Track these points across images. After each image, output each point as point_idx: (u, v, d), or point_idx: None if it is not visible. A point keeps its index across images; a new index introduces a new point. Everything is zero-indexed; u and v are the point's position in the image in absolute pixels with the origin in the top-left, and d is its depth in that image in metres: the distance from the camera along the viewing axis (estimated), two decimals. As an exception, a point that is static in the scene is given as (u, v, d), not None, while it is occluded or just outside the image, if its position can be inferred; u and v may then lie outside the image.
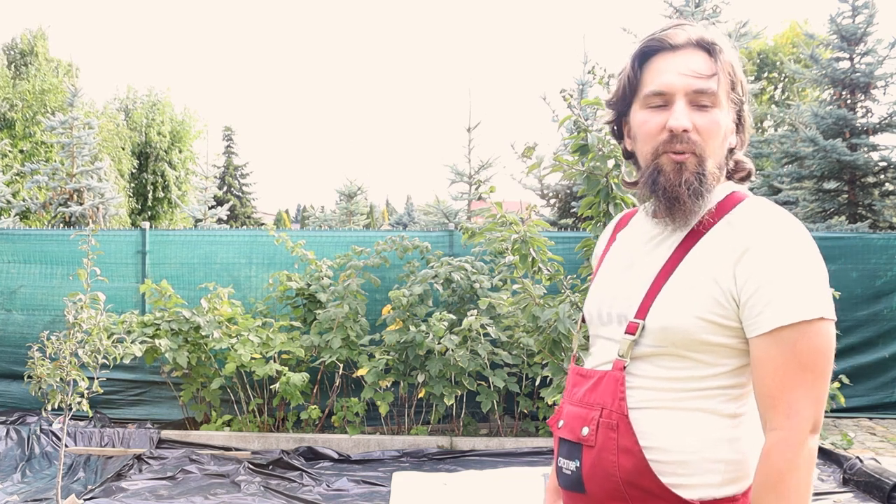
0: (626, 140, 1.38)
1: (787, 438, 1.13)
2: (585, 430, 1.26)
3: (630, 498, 1.22)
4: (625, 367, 1.25)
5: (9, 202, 10.10)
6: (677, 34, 1.28)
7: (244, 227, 25.11)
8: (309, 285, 5.98)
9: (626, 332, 1.26)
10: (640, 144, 1.31)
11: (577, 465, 1.27)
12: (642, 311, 1.25)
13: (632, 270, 1.32)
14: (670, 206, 1.25)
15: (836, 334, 1.21)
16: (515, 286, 5.51)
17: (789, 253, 1.16)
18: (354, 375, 5.74)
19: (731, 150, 1.32)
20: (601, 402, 1.26)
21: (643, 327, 1.24)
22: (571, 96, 4.97)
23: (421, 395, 5.61)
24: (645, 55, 1.30)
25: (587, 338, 1.44)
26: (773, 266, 1.15)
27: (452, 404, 5.61)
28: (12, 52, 19.16)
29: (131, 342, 5.08)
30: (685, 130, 1.23)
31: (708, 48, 1.27)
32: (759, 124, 17.89)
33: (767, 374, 1.15)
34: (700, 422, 1.21)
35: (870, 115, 9.36)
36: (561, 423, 1.34)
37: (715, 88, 1.24)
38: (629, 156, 1.39)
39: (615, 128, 1.40)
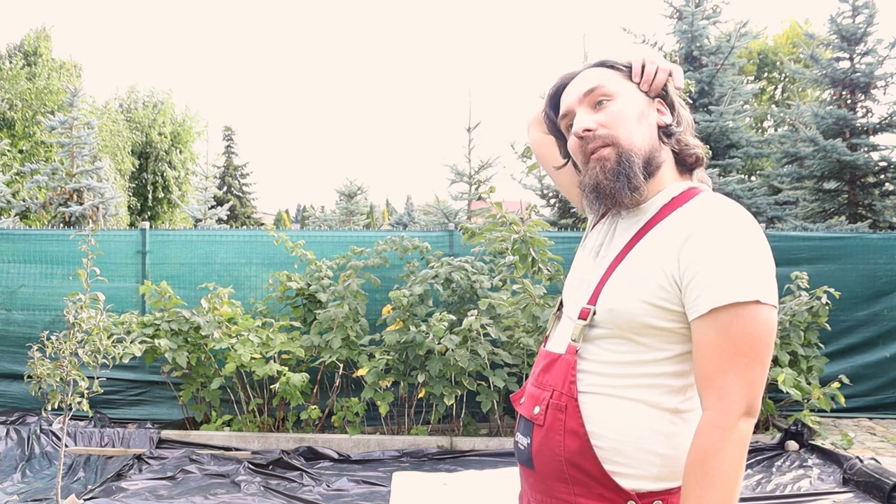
0: None
1: (716, 420, 1.15)
2: (536, 410, 1.33)
3: (571, 480, 1.26)
4: (577, 352, 1.31)
5: (9, 202, 10.10)
6: (577, 68, 1.43)
7: (244, 227, 25.11)
8: (309, 285, 5.98)
9: (578, 318, 1.33)
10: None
11: (528, 441, 1.34)
12: (594, 297, 1.31)
13: (597, 259, 1.39)
14: (595, 196, 1.33)
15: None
16: (515, 286, 5.52)
17: (729, 239, 1.18)
18: (354, 375, 5.74)
19: (664, 128, 1.36)
20: (553, 384, 1.32)
21: (594, 312, 1.30)
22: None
23: (421, 395, 5.60)
24: (557, 93, 1.46)
25: None
26: (713, 251, 1.18)
27: (452, 404, 5.61)
28: (18, 53, 19.20)
29: (131, 342, 5.08)
30: (586, 130, 1.33)
31: (602, 64, 1.40)
32: (759, 124, 17.87)
33: (704, 355, 1.18)
34: (639, 413, 1.24)
35: (870, 115, 9.36)
36: (523, 399, 1.42)
37: (602, 83, 1.35)
38: None
39: None
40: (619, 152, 1.31)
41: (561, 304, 1.48)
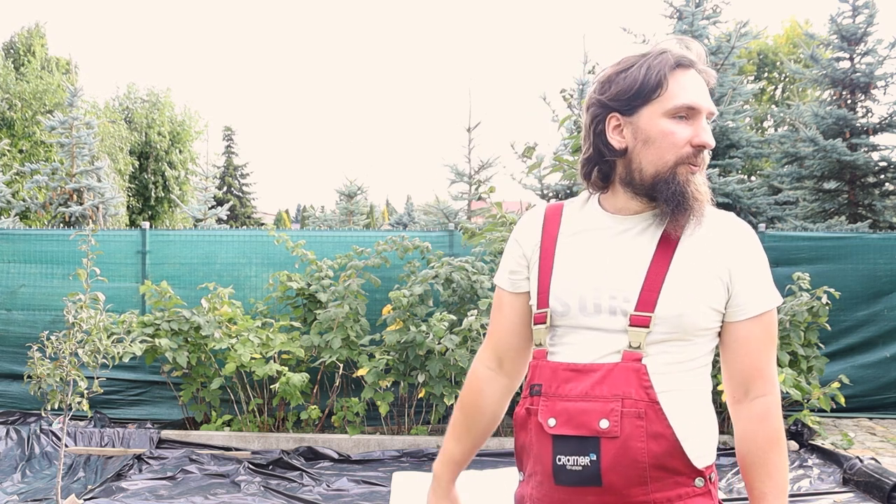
0: (614, 137, 1.39)
1: (776, 402, 1.39)
2: (605, 423, 1.28)
3: (651, 480, 1.29)
4: (641, 358, 1.33)
5: (9, 202, 10.09)
6: (695, 53, 1.40)
7: (244, 227, 25.12)
8: (309, 285, 5.98)
9: (633, 325, 1.32)
10: (657, 150, 1.35)
11: (594, 458, 1.28)
12: (648, 304, 1.33)
13: (610, 263, 1.37)
14: (678, 211, 1.34)
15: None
16: (515, 286, 5.51)
17: (759, 251, 1.41)
18: (354, 375, 5.74)
19: None
20: (620, 393, 1.30)
21: (653, 319, 1.33)
22: (571, 96, 4.96)
23: (421, 395, 5.61)
24: (673, 67, 1.36)
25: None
26: (753, 261, 1.39)
27: (452, 404, 5.61)
28: (11, 51, 19.19)
29: (131, 342, 5.08)
30: (707, 147, 1.38)
31: (702, 74, 1.41)
32: (759, 124, 17.88)
33: (753, 350, 1.38)
34: (701, 399, 1.39)
35: (870, 115, 9.35)
36: (553, 421, 1.32)
37: (715, 112, 1.41)
38: (617, 153, 1.39)
39: (598, 123, 1.40)
40: (703, 182, 1.39)
41: (549, 314, 1.40)
